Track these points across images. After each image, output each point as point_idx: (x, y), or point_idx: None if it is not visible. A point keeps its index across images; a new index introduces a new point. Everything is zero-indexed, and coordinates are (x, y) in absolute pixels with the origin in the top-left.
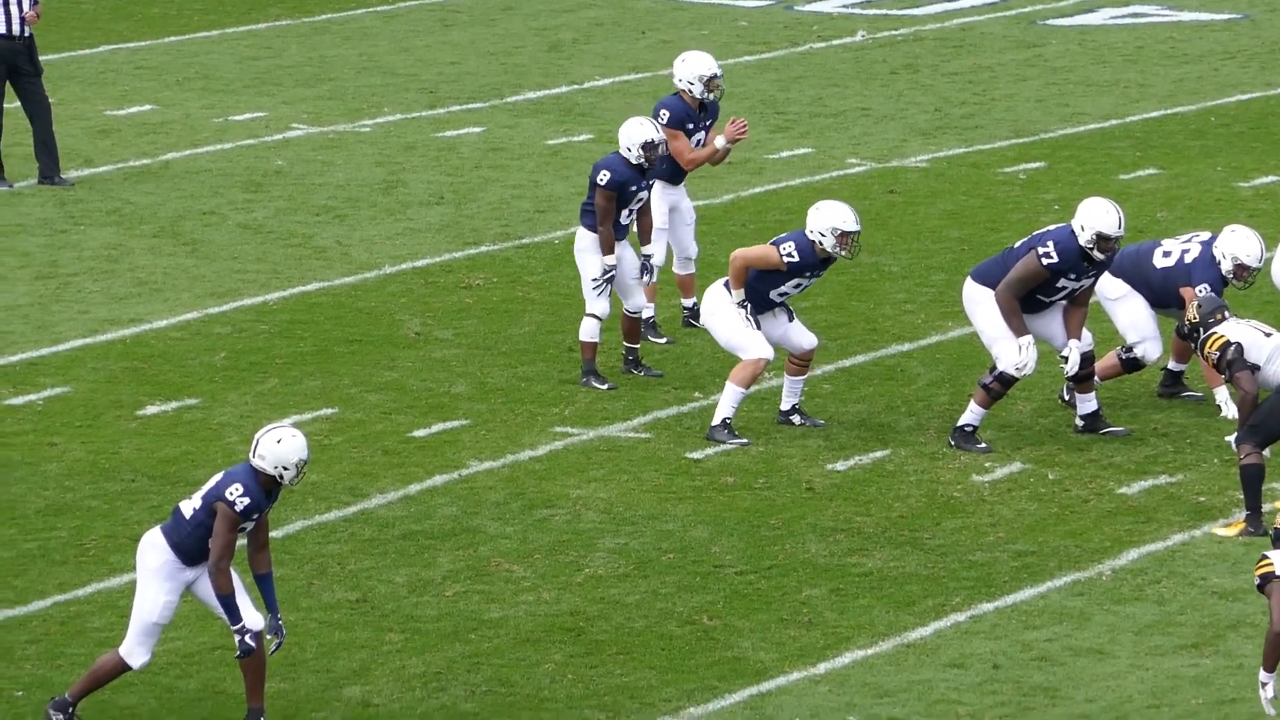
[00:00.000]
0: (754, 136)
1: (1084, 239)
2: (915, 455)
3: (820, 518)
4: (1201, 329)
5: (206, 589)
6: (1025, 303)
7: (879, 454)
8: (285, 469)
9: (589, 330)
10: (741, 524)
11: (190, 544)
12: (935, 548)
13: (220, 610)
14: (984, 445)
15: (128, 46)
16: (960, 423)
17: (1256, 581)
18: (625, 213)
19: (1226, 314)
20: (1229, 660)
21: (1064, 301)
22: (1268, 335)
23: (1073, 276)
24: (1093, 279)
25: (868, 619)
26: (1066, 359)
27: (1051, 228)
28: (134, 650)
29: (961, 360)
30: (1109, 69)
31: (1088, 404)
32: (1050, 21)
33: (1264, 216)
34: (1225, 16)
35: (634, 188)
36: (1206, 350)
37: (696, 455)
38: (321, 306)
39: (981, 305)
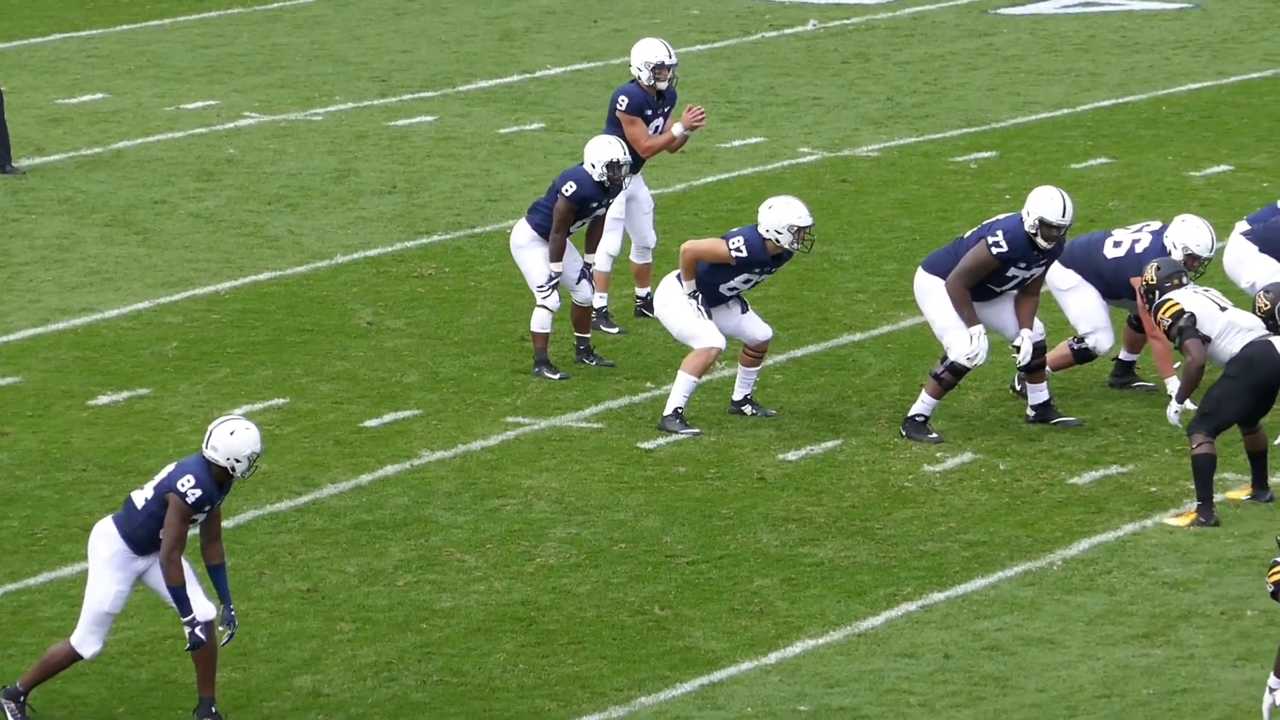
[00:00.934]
0: (707, 127)
1: (1029, 224)
2: (867, 445)
3: (772, 507)
4: (1158, 292)
5: (157, 579)
6: (976, 292)
7: (830, 444)
8: (237, 461)
9: (540, 321)
10: (693, 514)
11: (141, 534)
12: (886, 538)
13: (171, 600)
14: (935, 435)
15: (79, 35)
16: (911, 413)
17: (1270, 589)
18: (577, 223)
19: (1185, 280)
20: (1180, 650)
21: (1015, 291)
22: (1223, 309)
23: (1022, 265)
24: (1043, 268)
25: (819, 608)
26: (1018, 349)
27: (1001, 217)
28: (85, 639)
29: (913, 350)
30: (1060, 58)
31: (1039, 394)
32: (1002, 10)
33: (1215, 206)
34: (1176, 6)
35: (594, 204)
36: (1159, 316)
37: (648, 445)
38: (273, 296)
39: (932, 295)
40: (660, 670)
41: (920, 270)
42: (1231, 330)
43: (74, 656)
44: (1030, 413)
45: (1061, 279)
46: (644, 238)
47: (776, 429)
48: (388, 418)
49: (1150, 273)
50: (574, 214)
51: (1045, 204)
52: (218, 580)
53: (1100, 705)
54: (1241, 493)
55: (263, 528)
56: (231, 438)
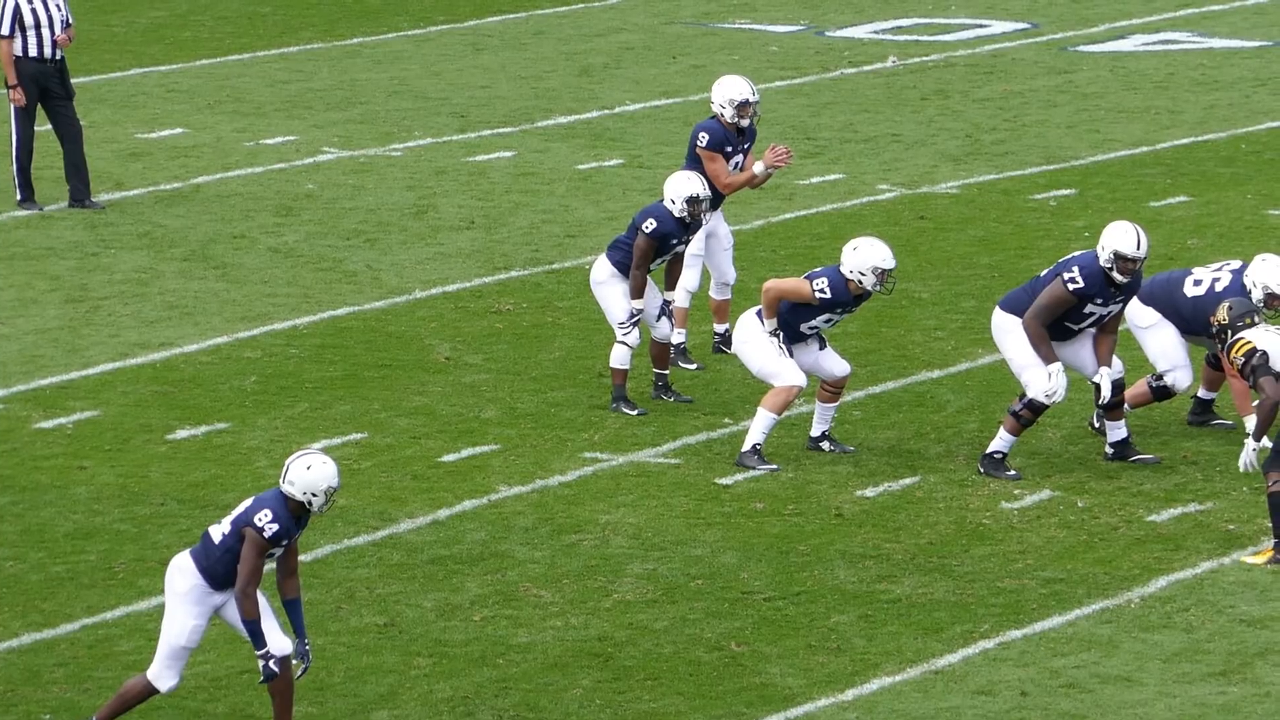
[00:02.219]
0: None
1: (1104, 259)
2: (944, 482)
3: (849, 544)
4: (1230, 332)
5: (234, 613)
6: (1054, 330)
7: (908, 480)
8: (314, 496)
9: (619, 357)
10: (770, 550)
11: (219, 568)
12: (964, 574)
13: (247, 635)
14: (1013, 473)
15: (159, 70)
16: (989, 449)
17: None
18: (657, 259)
19: (1257, 319)
20: (1257, 688)
21: (1093, 329)
22: None
23: (1099, 301)
24: (1121, 304)
25: (895, 645)
26: (1099, 386)
27: (1077, 254)
28: (162, 674)
29: (991, 387)
30: (1140, 95)
31: (1117, 431)
32: (1081, 48)
33: None
34: (1256, 44)
35: (674, 240)
36: (1232, 355)
37: (726, 481)
38: (351, 331)
39: (1010, 334)
40: (737, 707)
41: (997, 309)
42: None
43: (150, 691)
44: (1109, 450)
45: (1141, 317)
46: (724, 274)
47: (854, 465)
48: (465, 453)
49: (1223, 312)
50: (654, 250)
51: (1120, 237)
52: (293, 615)
53: None
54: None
55: (340, 562)
56: (308, 472)
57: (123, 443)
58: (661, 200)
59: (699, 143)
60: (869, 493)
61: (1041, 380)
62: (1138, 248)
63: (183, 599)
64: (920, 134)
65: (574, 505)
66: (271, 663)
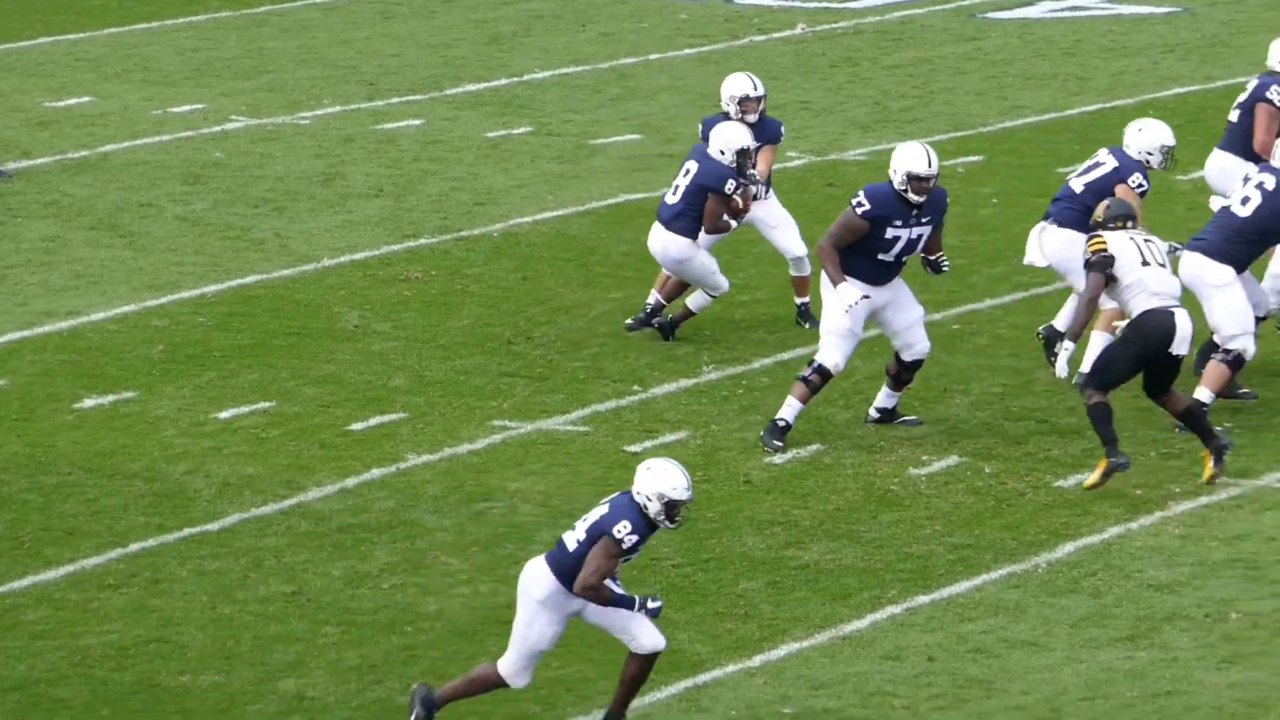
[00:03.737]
0: (694, 131)
1: (897, 181)
2: (853, 448)
3: (757, 511)
4: (1101, 229)
5: (595, 613)
6: (870, 267)
7: (816, 447)
8: (649, 500)
9: (697, 302)
10: None
11: (575, 574)
12: (872, 540)
13: (613, 623)
14: (780, 444)
15: (67, 38)
16: (776, 416)
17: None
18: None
19: (1130, 224)
20: (1164, 653)
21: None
22: (1145, 264)
23: (899, 223)
24: (929, 225)
25: (803, 611)
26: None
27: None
28: (519, 673)
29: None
30: (1048, 62)
31: (889, 399)
32: (990, 15)
33: (1201, 210)
34: (1164, 10)
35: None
36: (1087, 247)
37: (635, 448)
38: (259, 299)
39: (827, 293)
40: None
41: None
42: (1139, 288)
43: (500, 683)
44: (873, 414)
45: (1214, 274)
46: (790, 250)
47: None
48: (374, 421)
49: (1100, 210)
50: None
51: (910, 158)
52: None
53: (1084, 708)
54: (1205, 472)
55: (248, 531)
56: (646, 474)
57: (29, 412)
58: (709, 158)
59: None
60: (777, 460)
61: (833, 353)
62: (928, 165)
63: (541, 606)
64: (829, 101)
65: (483, 473)
66: (650, 603)
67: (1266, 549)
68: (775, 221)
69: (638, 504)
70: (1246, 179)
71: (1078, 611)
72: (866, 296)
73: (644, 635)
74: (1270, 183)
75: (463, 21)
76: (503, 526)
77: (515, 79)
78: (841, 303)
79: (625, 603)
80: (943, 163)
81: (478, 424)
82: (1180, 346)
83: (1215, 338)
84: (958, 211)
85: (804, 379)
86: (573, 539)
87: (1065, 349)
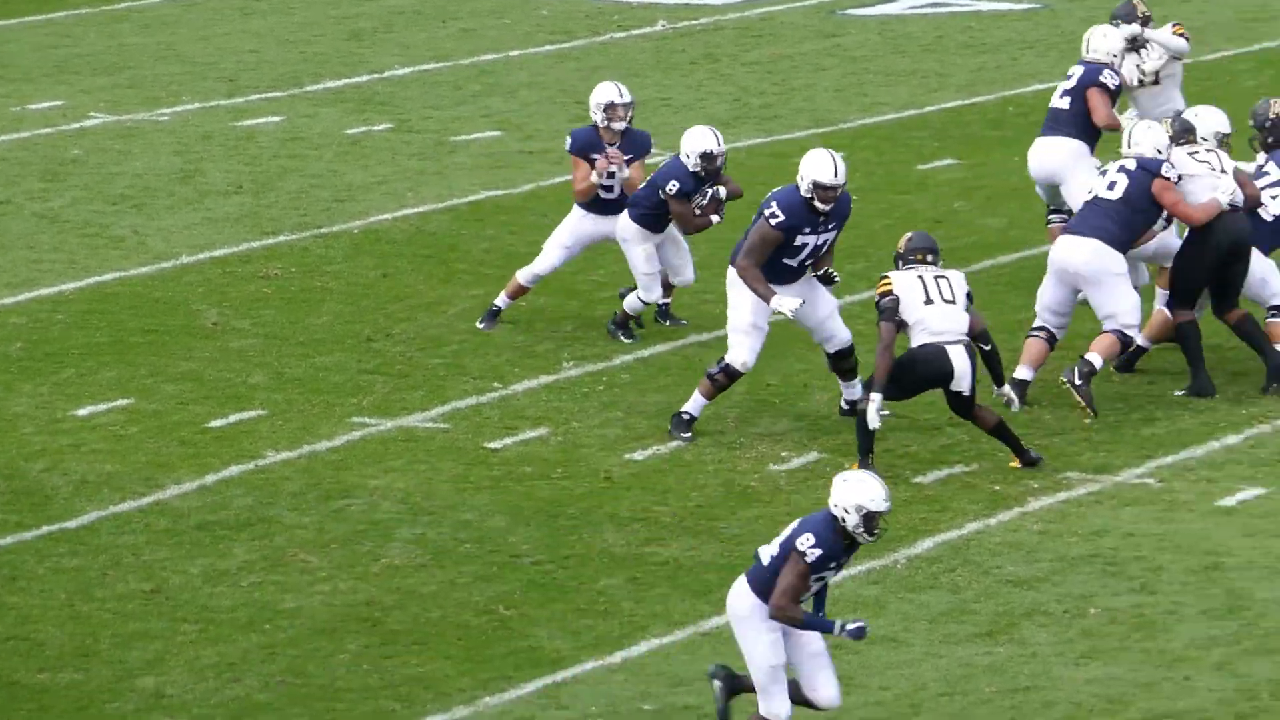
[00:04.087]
0: (554, 126)
1: (804, 189)
2: (713, 445)
3: (618, 507)
4: (900, 263)
5: (791, 643)
6: (780, 272)
7: (676, 443)
8: (846, 512)
9: (632, 305)
10: (539, 514)
11: (770, 590)
12: (732, 537)
13: (799, 660)
14: (689, 435)
15: None
16: (682, 409)
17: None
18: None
19: (929, 259)
20: (1022, 648)
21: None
22: (928, 303)
23: (808, 230)
24: (835, 231)
25: (664, 608)
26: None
27: (775, 190)
28: (774, 706)
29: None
30: (907, 58)
31: (851, 390)
32: (849, 11)
33: None
34: (1024, 6)
35: (695, 195)
36: (878, 287)
37: (495, 445)
38: (118, 297)
39: (733, 288)
40: (505, 670)
41: (730, 265)
42: (919, 328)
43: None
44: (844, 405)
45: (1116, 263)
46: (679, 274)
47: (623, 429)
48: (233, 418)
49: (901, 242)
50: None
51: (817, 167)
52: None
53: (943, 703)
54: (1013, 462)
55: (106, 529)
56: (843, 486)
57: None
58: (676, 156)
59: (668, 189)
60: (638, 456)
61: (742, 351)
62: (835, 175)
63: (747, 622)
64: (689, 98)
65: (342, 470)
66: (849, 626)
67: (1124, 545)
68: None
69: (833, 518)
70: (1105, 168)
71: (937, 607)
72: (802, 301)
73: (824, 688)
74: (1132, 164)
75: (323, 18)
76: (362, 523)
77: (376, 75)
78: (777, 307)
79: (823, 626)
80: (799, 159)
81: (337, 421)
82: (960, 384)
83: (1107, 324)
84: None
85: (710, 376)
86: (767, 554)
87: (873, 401)
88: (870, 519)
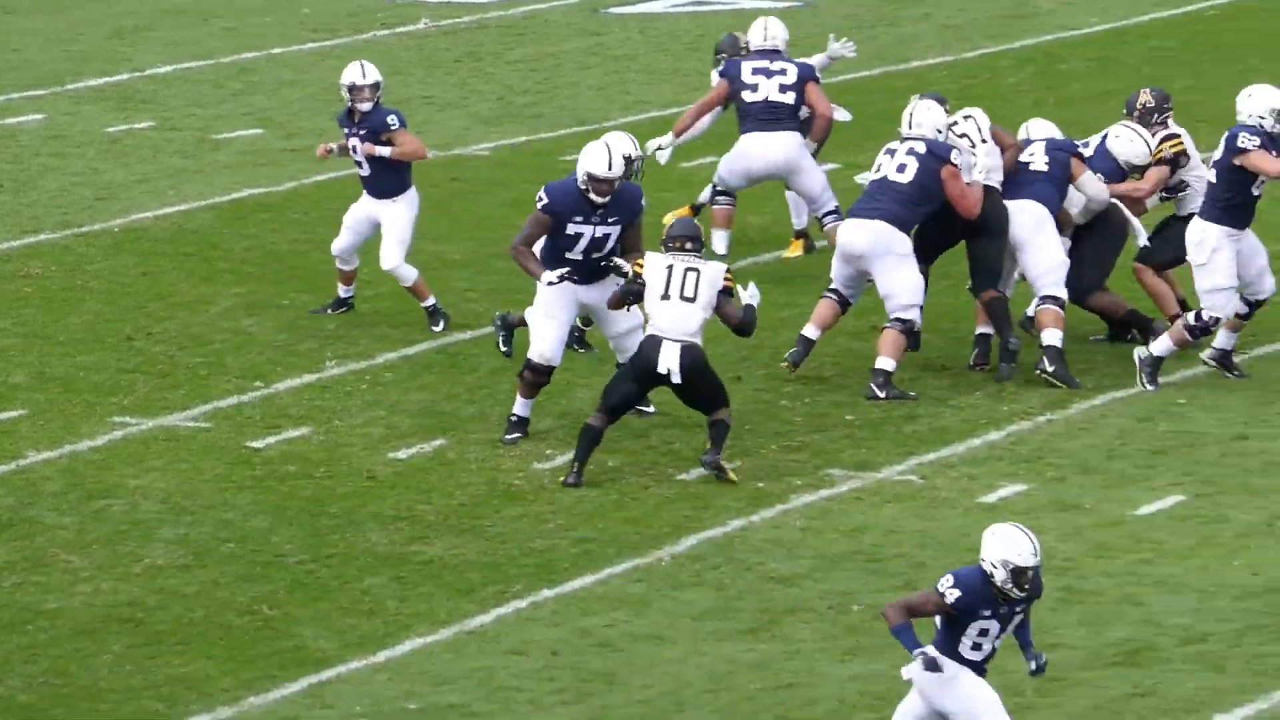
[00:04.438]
0: (317, 125)
1: (580, 180)
2: (477, 443)
3: (381, 506)
4: (663, 246)
5: (951, 701)
6: (559, 264)
7: (440, 442)
8: (994, 567)
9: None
10: (302, 513)
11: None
12: (496, 535)
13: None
14: (514, 437)
15: None
16: (510, 414)
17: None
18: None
19: (689, 245)
20: (786, 645)
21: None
22: (664, 297)
23: (579, 219)
24: (615, 225)
25: (428, 607)
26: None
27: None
28: None
29: (523, 348)
30: (670, 57)
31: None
32: (612, 10)
33: None
34: (786, 4)
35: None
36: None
37: (257, 444)
38: None
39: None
40: (269, 670)
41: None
42: (648, 318)
43: None
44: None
45: (902, 245)
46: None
47: (386, 427)
48: None
49: (665, 228)
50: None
51: (591, 158)
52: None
53: (707, 700)
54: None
55: None
56: (989, 538)
57: None
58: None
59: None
60: (401, 454)
61: (539, 342)
62: (609, 168)
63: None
64: (453, 96)
65: (103, 470)
66: (1038, 662)
67: (887, 541)
68: (389, 227)
69: (984, 572)
70: (893, 149)
71: (701, 604)
72: (570, 274)
73: None
74: (921, 148)
75: (86, 16)
76: (124, 524)
77: (138, 74)
78: (543, 281)
79: (909, 643)
80: (565, 157)
81: (98, 420)
82: (674, 377)
83: (887, 304)
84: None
85: (520, 375)
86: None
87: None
88: (1019, 574)
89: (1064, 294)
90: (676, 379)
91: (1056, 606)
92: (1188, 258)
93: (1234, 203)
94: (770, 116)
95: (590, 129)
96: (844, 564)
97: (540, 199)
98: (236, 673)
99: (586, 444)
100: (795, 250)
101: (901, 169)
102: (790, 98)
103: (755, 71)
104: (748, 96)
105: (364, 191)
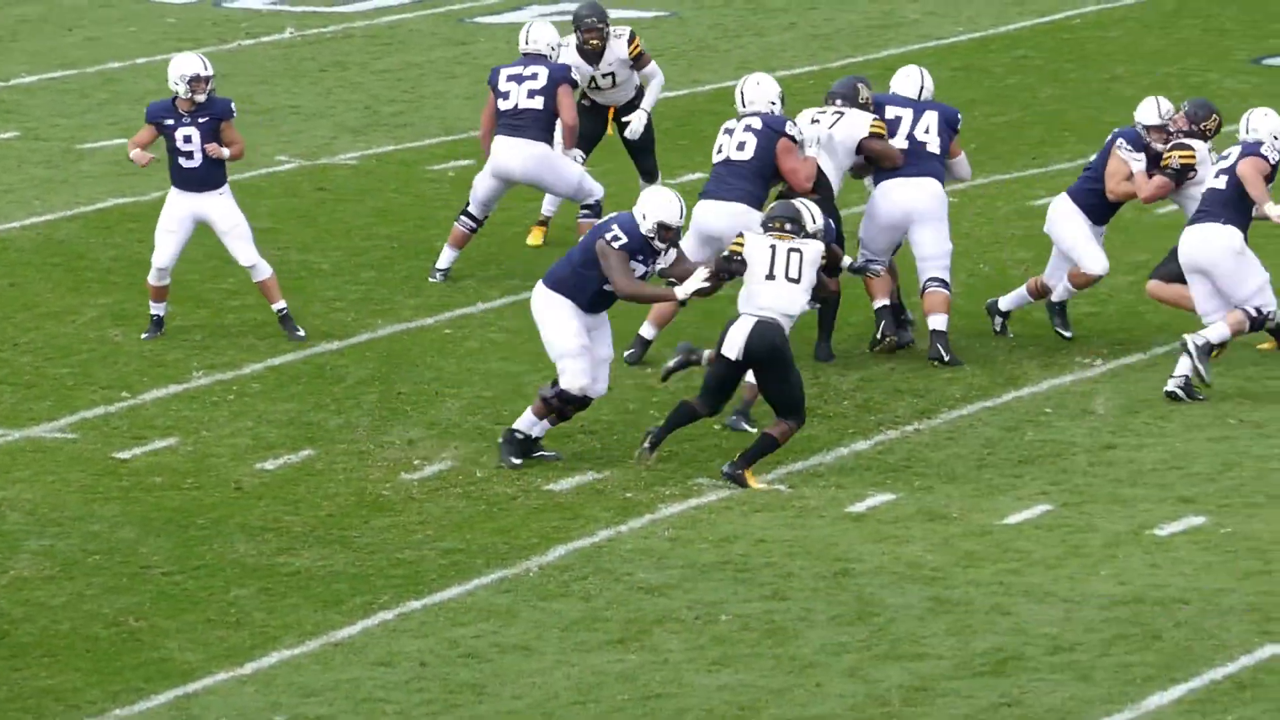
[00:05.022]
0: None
1: (645, 228)
2: (345, 454)
3: (249, 517)
4: (763, 226)
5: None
6: (595, 300)
7: (308, 452)
8: (644, 218)
9: None
10: (169, 524)
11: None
12: (364, 546)
13: None
14: (513, 461)
15: None
16: (513, 426)
17: None
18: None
19: (789, 227)
20: (654, 655)
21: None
22: (769, 277)
23: (640, 258)
24: (656, 265)
25: (295, 618)
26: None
27: (610, 217)
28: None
29: (391, 358)
30: None
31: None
32: (478, 19)
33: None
34: (653, 14)
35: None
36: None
37: (124, 455)
38: None
39: (549, 311)
40: (135, 682)
41: (541, 287)
42: (747, 295)
43: None
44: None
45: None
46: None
47: (253, 438)
48: None
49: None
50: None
51: (663, 206)
52: None
53: (576, 711)
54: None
55: None
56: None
57: None
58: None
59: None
60: (269, 465)
61: (577, 375)
62: (680, 216)
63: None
64: (319, 105)
65: None
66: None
67: (755, 551)
68: (227, 227)
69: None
70: (731, 129)
71: (569, 615)
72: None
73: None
74: (757, 123)
75: None
76: None
77: (1, 84)
78: (683, 295)
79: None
80: (432, 166)
81: None
82: (730, 351)
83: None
84: (448, 216)
85: (544, 399)
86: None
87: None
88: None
89: (949, 277)
90: (733, 354)
91: (924, 616)
92: (1217, 270)
93: (1244, 207)
94: (517, 123)
95: (457, 138)
96: (712, 573)
97: (618, 239)
98: (103, 685)
99: (674, 419)
100: (536, 239)
101: (741, 146)
102: (539, 102)
103: (510, 78)
104: (501, 104)
105: (175, 188)
